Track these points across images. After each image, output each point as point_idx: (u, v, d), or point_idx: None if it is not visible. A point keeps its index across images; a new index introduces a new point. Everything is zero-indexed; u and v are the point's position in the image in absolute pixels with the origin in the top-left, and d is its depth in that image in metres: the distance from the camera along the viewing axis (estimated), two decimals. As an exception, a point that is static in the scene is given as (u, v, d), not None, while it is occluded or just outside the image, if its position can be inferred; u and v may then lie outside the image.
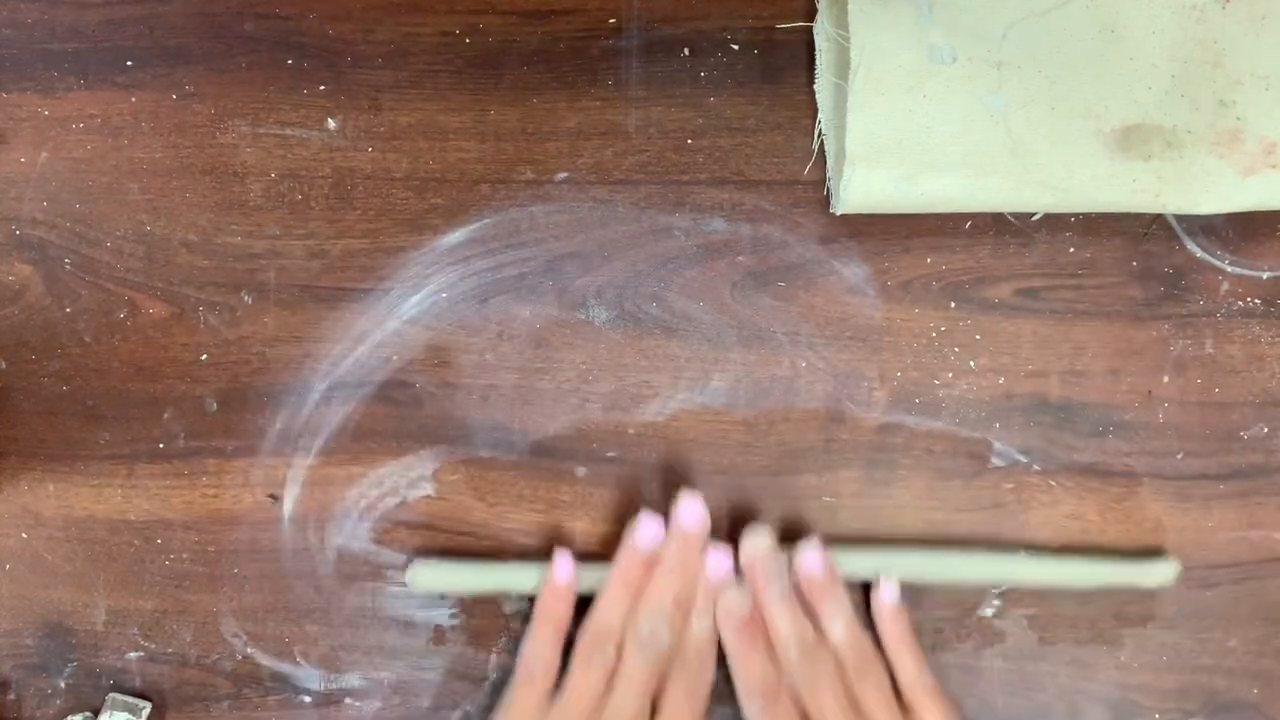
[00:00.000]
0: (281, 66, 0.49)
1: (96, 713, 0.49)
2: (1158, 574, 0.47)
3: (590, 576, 0.47)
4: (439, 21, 0.49)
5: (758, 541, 0.47)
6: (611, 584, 0.47)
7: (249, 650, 0.49)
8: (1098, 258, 0.49)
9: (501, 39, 0.49)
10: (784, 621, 0.46)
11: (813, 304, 0.49)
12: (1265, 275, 0.49)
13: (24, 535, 0.49)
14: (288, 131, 0.49)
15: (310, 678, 0.49)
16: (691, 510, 0.47)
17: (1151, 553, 0.48)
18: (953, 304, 0.48)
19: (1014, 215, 0.48)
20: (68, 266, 0.49)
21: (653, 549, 0.47)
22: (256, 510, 0.49)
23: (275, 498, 0.49)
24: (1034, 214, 0.48)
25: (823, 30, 0.48)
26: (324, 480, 0.49)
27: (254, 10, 0.49)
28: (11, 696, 0.49)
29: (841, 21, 0.46)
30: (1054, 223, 0.48)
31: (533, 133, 0.49)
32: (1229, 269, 0.49)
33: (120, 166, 0.49)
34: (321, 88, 0.49)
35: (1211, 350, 0.49)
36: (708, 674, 0.46)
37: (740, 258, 0.49)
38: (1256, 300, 0.48)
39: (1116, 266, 0.49)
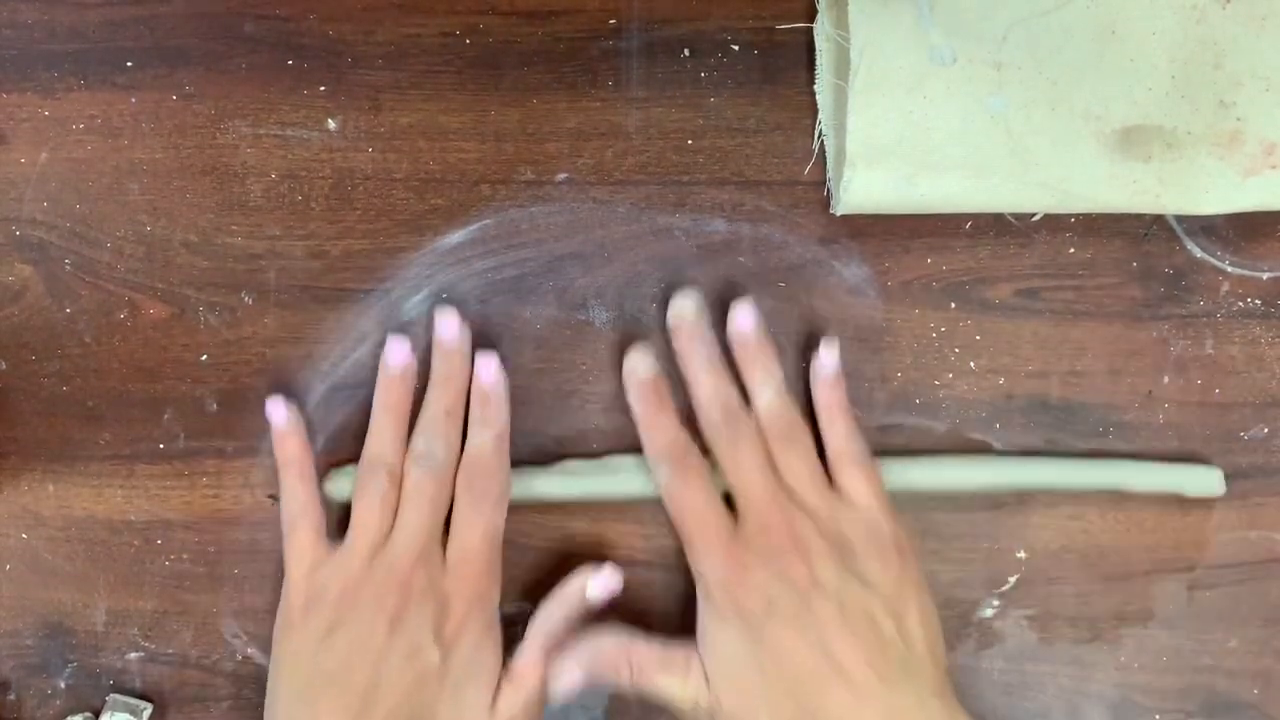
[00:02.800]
0: (281, 67, 0.49)
1: (97, 713, 0.49)
2: (1203, 482, 0.47)
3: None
4: (439, 22, 0.49)
5: (684, 304, 0.46)
6: (375, 412, 0.46)
7: (249, 650, 0.49)
8: (1098, 258, 0.49)
9: (501, 39, 0.49)
10: (707, 384, 0.45)
11: (813, 304, 0.49)
12: (1265, 276, 0.49)
13: (24, 535, 0.49)
14: (288, 132, 0.49)
15: (310, 678, 0.49)
16: (448, 324, 0.46)
17: (1193, 459, 0.48)
18: (953, 304, 0.48)
19: (1014, 216, 0.48)
20: (68, 267, 0.49)
21: (405, 368, 0.47)
22: (256, 510, 0.49)
23: (275, 498, 0.49)
24: (1034, 215, 0.48)
25: (823, 31, 0.48)
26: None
27: (254, 11, 0.49)
28: (11, 696, 0.49)
29: (841, 22, 0.46)
30: (1054, 223, 0.48)
31: (533, 133, 0.49)
32: (1229, 269, 0.49)
33: (120, 167, 0.49)
34: (321, 88, 0.49)
35: (1211, 351, 0.49)
36: (494, 484, 0.46)
37: (740, 258, 0.49)
38: (1257, 300, 0.48)
39: (1117, 267, 0.49)
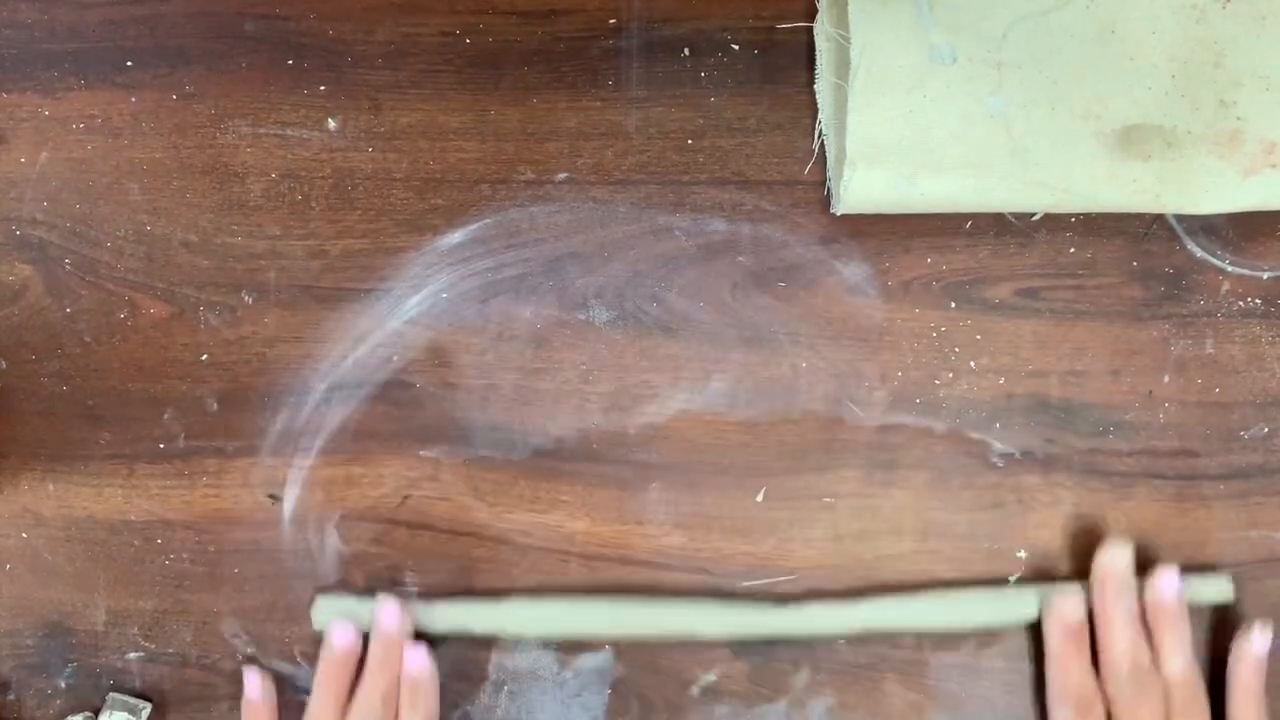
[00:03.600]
0: (281, 66, 0.49)
1: (97, 713, 0.49)
2: (1216, 591, 0.47)
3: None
4: (439, 22, 0.49)
5: (1116, 556, 0.46)
6: (315, 692, 0.47)
7: (249, 650, 0.49)
8: (1098, 258, 0.49)
9: (501, 39, 0.49)
10: (1123, 639, 0.45)
11: (813, 304, 0.49)
12: (1265, 275, 0.49)
13: (24, 535, 0.49)
14: (288, 131, 0.49)
15: (310, 678, 0.49)
16: (389, 611, 0.47)
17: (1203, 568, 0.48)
18: (953, 304, 0.48)
19: (1014, 215, 0.48)
20: (68, 266, 0.49)
21: (349, 652, 0.47)
22: (256, 510, 0.49)
23: (275, 498, 0.49)
24: (1034, 214, 0.48)
25: (823, 30, 0.48)
26: (324, 480, 0.49)
27: (254, 10, 0.49)
28: (11, 696, 0.49)
29: (842, 21, 0.46)
30: (1054, 223, 0.48)
31: (533, 133, 0.49)
32: (1229, 269, 0.49)
33: (120, 166, 0.49)
34: (321, 88, 0.49)
35: (1212, 350, 0.49)
36: None
37: (740, 258, 0.49)
38: (1257, 300, 0.48)
39: (1117, 266, 0.49)
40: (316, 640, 0.48)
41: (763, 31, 0.49)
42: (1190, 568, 0.47)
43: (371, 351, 0.49)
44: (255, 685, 0.48)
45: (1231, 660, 0.46)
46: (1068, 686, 0.46)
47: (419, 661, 0.47)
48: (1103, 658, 0.46)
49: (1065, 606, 0.46)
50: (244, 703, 0.48)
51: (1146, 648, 0.46)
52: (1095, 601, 0.46)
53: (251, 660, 0.49)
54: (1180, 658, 0.46)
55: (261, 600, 0.49)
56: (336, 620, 0.47)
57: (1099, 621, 0.46)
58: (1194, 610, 0.46)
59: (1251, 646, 0.46)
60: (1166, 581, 0.46)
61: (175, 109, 0.49)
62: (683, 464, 0.49)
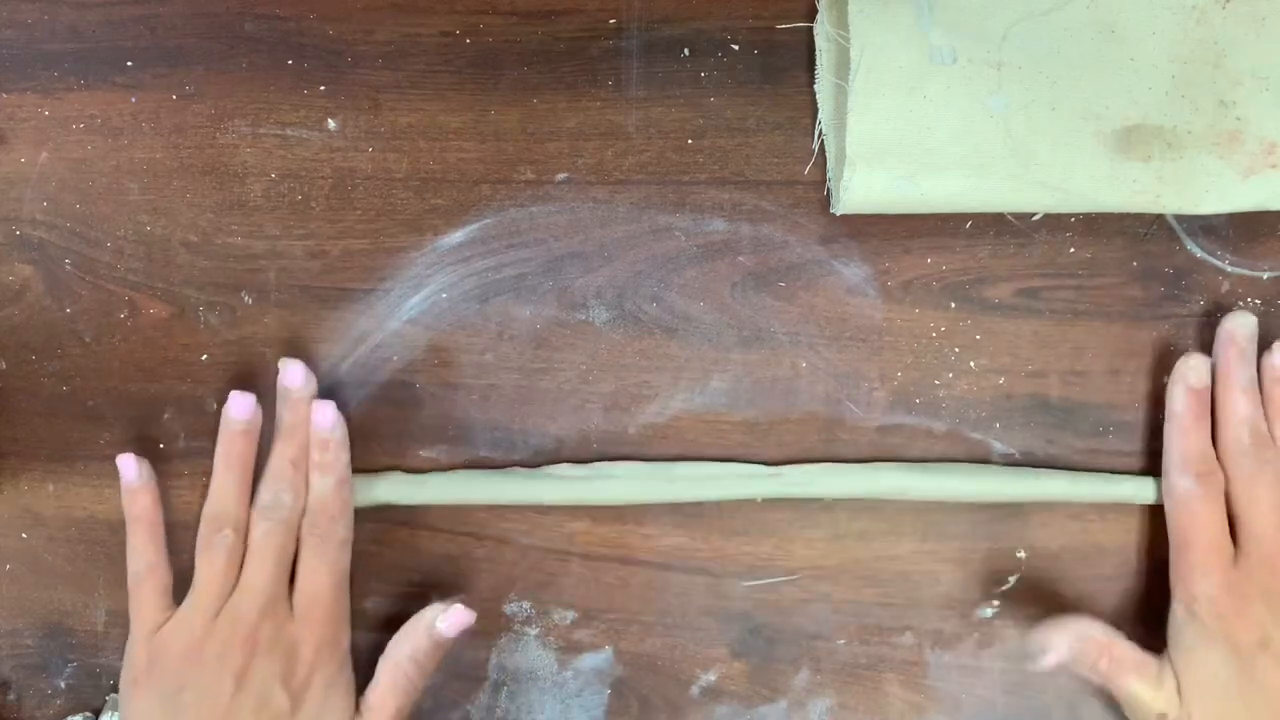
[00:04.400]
0: (281, 66, 0.49)
1: (97, 713, 0.49)
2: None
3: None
4: (439, 22, 0.49)
5: (1242, 322, 0.46)
6: (217, 468, 0.46)
7: (249, 650, 0.49)
8: (1098, 258, 0.49)
9: (501, 39, 0.49)
10: (1245, 406, 0.45)
11: (813, 304, 0.49)
12: (1265, 275, 0.49)
13: (24, 535, 0.49)
14: (288, 131, 0.49)
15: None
16: (293, 372, 0.46)
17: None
18: (953, 304, 0.48)
19: (1014, 215, 0.48)
20: (68, 266, 0.49)
21: (248, 423, 0.46)
22: (256, 510, 0.49)
23: (275, 498, 0.49)
24: (1034, 214, 0.48)
25: (823, 30, 0.48)
26: (324, 480, 0.49)
27: (254, 10, 0.49)
28: (11, 696, 0.49)
29: (842, 22, 0.46)
30: (1054, 223, 0.48)
31: (533, 133, 0.49)
32: (1229, 269, 0.49)
33: (120, 166, 0.49)
34: (321, 88, 0.49)
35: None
36: (338, 528, 0.46)
37: (740, 258, 0.49)
38: (1256, 300, 0.48)
39: (1117, 267, 0.49)
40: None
41: (763, 31, 0.49)
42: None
43: (371, 352, 0.49)
44: (131, 468, 0.46)
45: (1263, 382, 0.45)
46: (1188, 452, 0.45)
47: (327, 417, 0.46)
48: (1221, 429, 0.45)
49: (1190, 370, 0.45)
50: (123, 489, 0.46)
51: (1264, 421, 0.45)
52: (1218, 368, 0.45)
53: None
54: None
55: (261, 600, 0.49)
56: (236, 392, 0.46)
57: (1219, 388, 0.45)
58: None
59: (1275, 362, 0.45)
60: None
61: (175, 109, 0.49)
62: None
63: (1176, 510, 0.45)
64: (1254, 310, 0.48)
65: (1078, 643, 0.44)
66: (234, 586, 0.45)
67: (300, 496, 0.46)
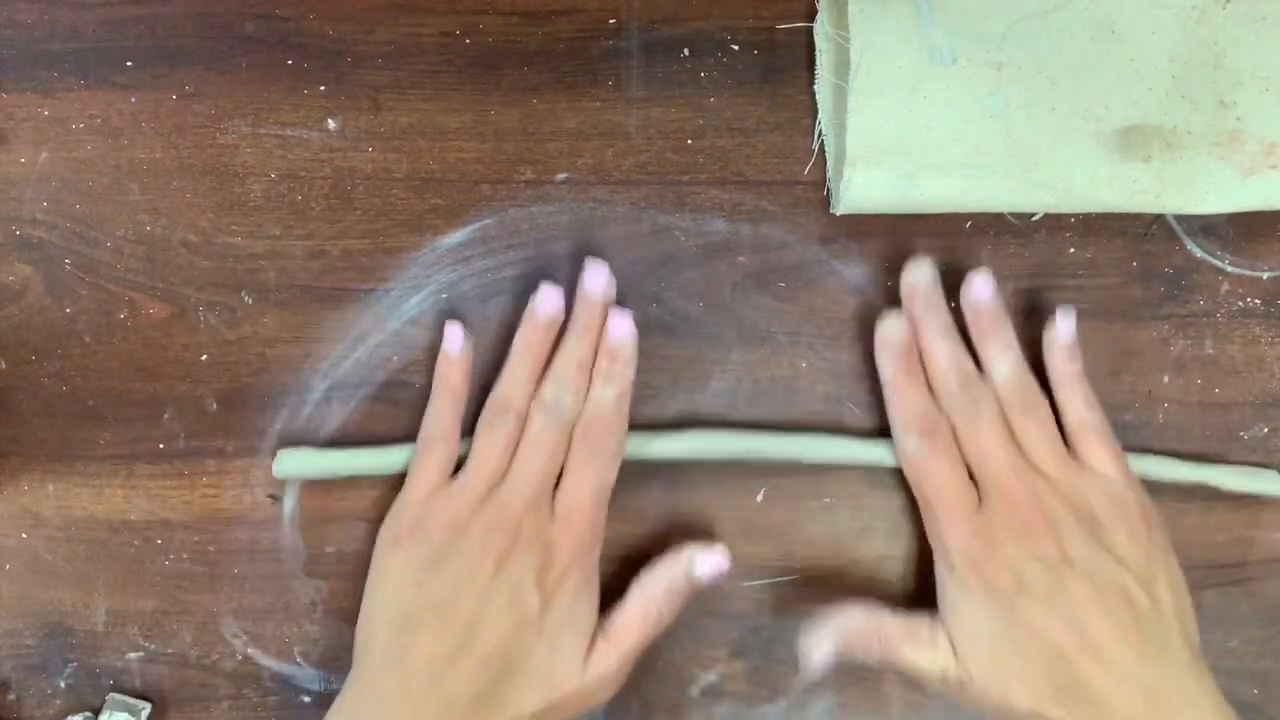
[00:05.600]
0: (281, 67, 0.49)
1: (96, 713, 0.49)
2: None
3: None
4: (439, 22, 0.49)
5: (920, 272, 0.45)
6: (513, 355, 0.46)
7: (249, 650, 0.49)
8: (1098, 258, 0.49)
9: (501, 39, 0.49)
10: (943, 353, 0.45)
11: (813, 304, 0.49)
12: (1265, 275, 0.49)
13: (24, 535, 0.49)
14: (288, 132, 0.49)
15: (310, 678, 0.49)
16: (596, 275, 0.46)
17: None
18: (953, 304, 0.48)
19: (1014, 215, 0.48)
20: (68, 266, 0.49)
21: (553, 318, 0.46)
22: (256, 510, 0.49)
23: (275, 498, 0.49)
24: (1034, 214, 0.48)
25: (823, 30, 0.48)
26: (325, 481, 0.49)
27: (254, 10, 0.49)
28: (11, 696, 0.49)
29: (841, 22, 0.46)
30: (1054, 223, 0.48)
31: (533, 133, 0.49)
32: (1229, 269, 0.49)
33: (120, 166, 0.49)
34: (321, 88, 0.49)
35: (1211, 350, 0.49)
36: (611, 439, 0.45)
37: (740, 258, 0.49)
38: (1256, 300, 0.48)
39: (1117, 267, 0.49)
40: (315, 640, 0.48)
41: (763, 31, 0.49)
42: (1191, 569, 0.47)
43: (371, 352, 0.49)
44: (458, 339, 0.46)
45: (1045, 356, 0.46)
46: (909, 411, 0.45)
47: (623, 328, 0.45)
48: (931, 380, 0.45)
49: (887, 330, 0.45)
50: (441, 355, 0.47)
51: (969, 357, 0.45)
52: (913, 323, 0.45)
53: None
54: (1007, 360, 0.45)
55: (261, 600, 0.49)
56: (547, 284, 0.46)
57: (919, 343, 0.45)
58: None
59: (1057, 333, 0.45)
60: (980, 283, 0.45)
61: (175, 109, 0.49)
62: (683, 464, 0.48)
63: (912, 471, 0.45)
64: (1255, 310, 0.48)
65: (840, 635, 0.44)
66: (505, 474, 0.45)
67: (580, 400, 0.45)
